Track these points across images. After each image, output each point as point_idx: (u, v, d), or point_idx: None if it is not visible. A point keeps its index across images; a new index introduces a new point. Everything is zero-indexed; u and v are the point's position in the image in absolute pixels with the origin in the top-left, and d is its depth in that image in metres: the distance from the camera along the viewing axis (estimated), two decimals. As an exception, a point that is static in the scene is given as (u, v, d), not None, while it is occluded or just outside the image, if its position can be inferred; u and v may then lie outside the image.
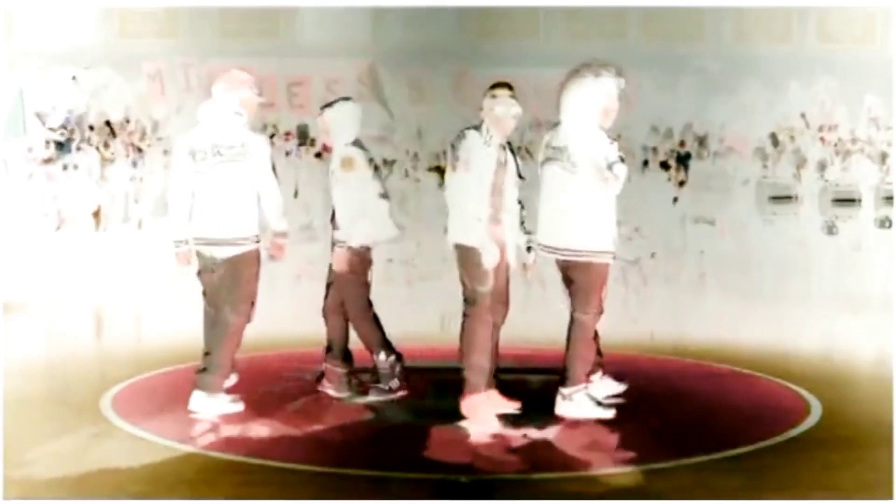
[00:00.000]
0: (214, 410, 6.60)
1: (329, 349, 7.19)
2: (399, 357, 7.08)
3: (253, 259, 6.65)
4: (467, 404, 6.53)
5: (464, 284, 6.61)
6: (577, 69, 6.77)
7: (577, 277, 6.65)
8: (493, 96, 6.63)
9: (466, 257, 6.53)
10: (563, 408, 6.65)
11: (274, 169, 6.70)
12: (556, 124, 6.79)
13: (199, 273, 6.75)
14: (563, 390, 6.67)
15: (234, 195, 6.57)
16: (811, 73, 14.48)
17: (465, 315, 6.61)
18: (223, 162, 6.55)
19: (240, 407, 6.71)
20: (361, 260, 7.04)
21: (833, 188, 14.19)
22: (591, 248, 6.59)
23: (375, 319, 7.10)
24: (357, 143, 7.12)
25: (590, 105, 6.64)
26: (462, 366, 6.57)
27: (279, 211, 6.72)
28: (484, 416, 6.46)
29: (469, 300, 6.59)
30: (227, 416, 6.57)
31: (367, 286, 7.10)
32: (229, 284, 6.64)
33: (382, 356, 7.05)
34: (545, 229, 6.69)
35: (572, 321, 6.70)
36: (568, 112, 6.68)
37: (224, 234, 6.58)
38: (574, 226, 6.57)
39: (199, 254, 6.67)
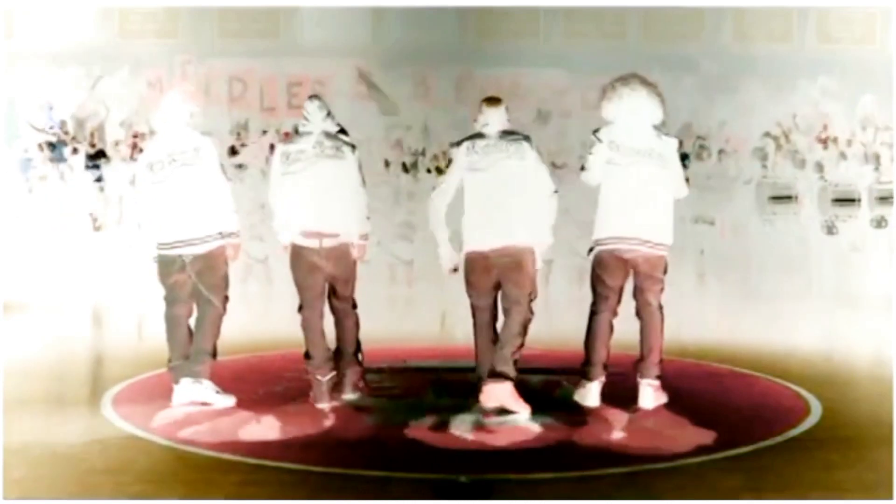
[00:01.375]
0: (200, 397, 6.79)
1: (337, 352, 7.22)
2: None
3: (223, 251, 6.98)
4: (494, 391, 6.55)
5: (521, 288, 6.66)
6: (625, 78, 6.96)
7: (652, 267, 6.81)
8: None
9: (533, 261, 6.70)
10: (649, 398, 6.84)
11: (223, 170, 7.03)
12: (595, 130, 6.96)
13: (163, 277, 6.98)
14: (650, 381, 6.84)
15: (194, 196, 6.85)
16: (811, 73, 14.49)
17: (518, 314, 6.65)
18: (178, 167, 6.86)
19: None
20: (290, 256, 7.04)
21: (833, 188, 14.18)
22: (669, 240, 6.84)
23: (306, 323, 7.02)
24: (288, 139, 7.14)
25: (653, 109, 6.87)
26: (503, 356, 6.59)
27: (229, 211, 6.97)
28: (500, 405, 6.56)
29: (526, 303, 6.68)
30: (227, 415, 6.59)
31: (297, 285, 7.04)
32: (207, 277, 6.91)
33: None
34: (636, 224, 6.75)
35: (647, 312, 6.85)
36: (631, 115, 6.83)
37: (193, 233, 6.85)
38: (664, 219, 6.80)
39: (162, 257, 6.94)
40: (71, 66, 13.98)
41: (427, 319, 9.89)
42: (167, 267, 6.94)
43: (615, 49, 13.99)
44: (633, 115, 6.81)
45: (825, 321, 11.29)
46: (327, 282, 6.99)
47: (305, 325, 6.98)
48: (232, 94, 14.14)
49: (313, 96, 7.22)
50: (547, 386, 7.37)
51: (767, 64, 14.32)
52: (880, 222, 13.82)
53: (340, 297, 7.04)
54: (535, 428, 6.35)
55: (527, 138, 6.82)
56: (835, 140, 14.71)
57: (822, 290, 13.08)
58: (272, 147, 14.18)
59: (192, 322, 7.03)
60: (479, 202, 6.69)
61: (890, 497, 5.03)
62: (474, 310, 6.83)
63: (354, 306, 7.09)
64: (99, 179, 13.93)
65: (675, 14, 14.36)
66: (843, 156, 14.48)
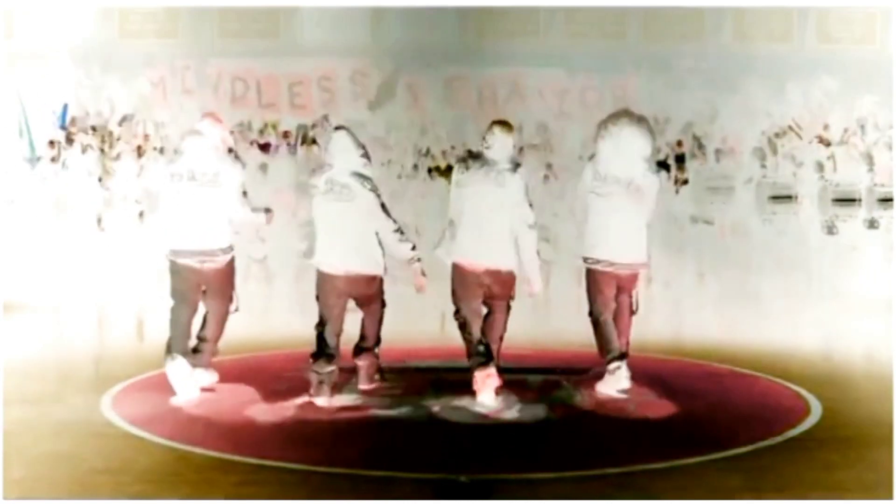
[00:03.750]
0: (205, 381, 7.15)
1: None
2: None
3: (233, 260, 7.38)
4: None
5: (504, 300, 7.14)
6: (616, 115, 7.51)
7: (630, 279, 7.43)
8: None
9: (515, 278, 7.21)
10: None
11: (242, 199, 7.29)
12: (591, 155, 7.45)
13: (175, 281, 7.25)
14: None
15: (207, 213, 7.15)
16: (811, 73, 14.49)
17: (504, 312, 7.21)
18: (196, 186, 7.17)
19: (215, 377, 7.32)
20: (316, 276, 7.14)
21: (833, 188, 14.17)
22: (645, 258, 7.45)
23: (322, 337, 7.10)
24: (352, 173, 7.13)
25: (642, 142, 7.34)
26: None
27: (231, 231, 7.34)
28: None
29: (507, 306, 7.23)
30: (227, 415, 6.60)
31: (321, 304, 7.09)
32: (221, 281, 7.27)
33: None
34: (619, 250, 7.29)
35: (621, 309, 7.42)
36: (621, 148, 7.28)
37: (207, 246, 7.18)
38: (639, 243, 7.36)
39: (175, 264, 7.24)
40: (71, 67, 13.97)
41: (427, 319, 9.89)
42: (180, 272, 7.21)
43: (615, 49, 14.01)
44: (622, 148, 7.29)
45: (825, 321, 11.29)
46: (351, 299, 7.16)
47: (321, 339, 7.03)
48: (234, 94, 14.16)
49: (339, 127, 7.38)
50: (547, 386, 7.38)
51: (767, 64, 14.32)
52: (872, 223, 13.81)
53: (365, 306, 7.28)
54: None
55: (516, 168, 7.03)
56: (834, 140, 14.70)
57: (821, 289, 13.07)
58: (256, 144, 14.26)
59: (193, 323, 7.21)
60: (463, 219, 7.00)
61: (890, 497, 5.04)
62: (466, 313, 7.06)
63: (383, 304, 7.32)
64: (101, 179, 13.92)
65: (675, 14, 14.36)
66: (843, 155, 14.47)
